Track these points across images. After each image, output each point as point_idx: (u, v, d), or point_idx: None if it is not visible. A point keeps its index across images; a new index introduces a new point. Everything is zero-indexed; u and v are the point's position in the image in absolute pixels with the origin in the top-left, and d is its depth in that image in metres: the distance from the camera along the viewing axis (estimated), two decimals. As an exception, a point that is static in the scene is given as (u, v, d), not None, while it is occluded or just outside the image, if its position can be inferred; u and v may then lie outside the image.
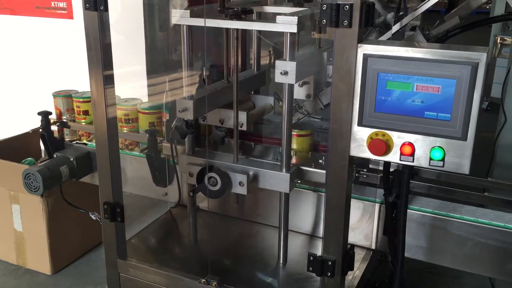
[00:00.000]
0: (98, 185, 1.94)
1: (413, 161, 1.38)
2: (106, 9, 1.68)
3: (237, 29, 1.83)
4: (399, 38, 1.97)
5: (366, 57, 1.36)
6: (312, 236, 2.19)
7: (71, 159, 2.46)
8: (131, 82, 3.29)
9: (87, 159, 2.56)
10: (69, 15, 4.21)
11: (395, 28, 1.81)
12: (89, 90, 2.43)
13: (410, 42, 1.66)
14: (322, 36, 2.02)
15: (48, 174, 2.34)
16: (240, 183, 1.83)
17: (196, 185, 1.85)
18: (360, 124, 1.41)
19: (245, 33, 2.26)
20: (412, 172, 2.05)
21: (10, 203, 2.72)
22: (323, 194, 2.11)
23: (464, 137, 1.30)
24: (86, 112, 2.59)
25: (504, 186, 2.01)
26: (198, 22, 1.76)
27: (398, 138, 1.38)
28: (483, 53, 1.25)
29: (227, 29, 1.90)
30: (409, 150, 1.37)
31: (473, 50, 1.27)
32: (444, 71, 1.28)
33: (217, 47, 2.09)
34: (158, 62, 3.38)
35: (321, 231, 2.18)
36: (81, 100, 2.58)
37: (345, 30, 1.36)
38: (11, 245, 2.80)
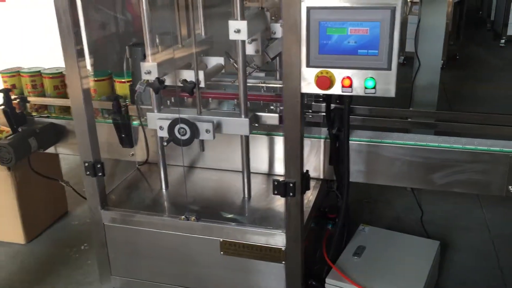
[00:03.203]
0: (62, 154, 2.10)
1: (351, 92, 1.73)
2: (74, -17, 1.87)
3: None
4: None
5: (308, 9, 1.67)
6: (268, 175, 2.52)
7: (37, 131, 2.61)
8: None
9: (50, 130, 2.72)
10: (0, -2, 4.18)
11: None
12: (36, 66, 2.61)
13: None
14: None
15: (18, 145, 2.49)
16: (207, 130, 2.10)
17: (168, 136, 2.12)
18: (308, 65, 1.74)
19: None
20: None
21: (-24, 180, 2.82)
22: (275, 137, 2.45)
23: (389, 67, 1.66)
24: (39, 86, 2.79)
25: (422, 113, 2.45)
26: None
27: (339, 74, 1.72)
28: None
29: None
30: (348, 82, 1.72)
31: (391, -2, 1.62)
32: (370, 15, 1.62)
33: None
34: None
35: (274, 170, 2.52)
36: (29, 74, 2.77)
37: (290, -12, 1.66)
38: (-19, 220, 2.91)
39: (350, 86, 1.72)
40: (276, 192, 1.93)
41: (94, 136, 2.13)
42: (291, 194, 1.91)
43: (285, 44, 1.74)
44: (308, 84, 1.76)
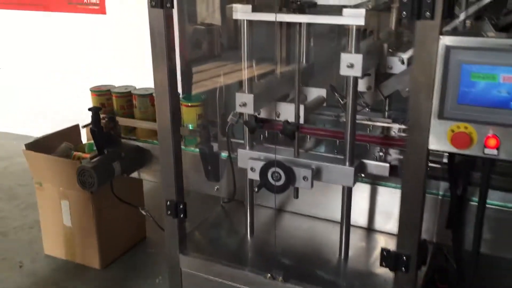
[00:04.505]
0: (147, 181, 1.92)
1: (498, 154, 1.36)
2: (172, 5, 1.67)
3: (300, 23, 1.81)
4: (459, 28, 1.94)
5: (448, 48, 1.33)
6: (368, 229, 2.18)
7: (122, 155, 2.47)
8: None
9: (135, 154, 2.57)
10: (102, 10, 4.22)
11: (462, 17, 1.77)
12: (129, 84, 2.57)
13: (497, 33, 1.63)
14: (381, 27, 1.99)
15: (102, 170, 2.36)
16: (304, 178, 1.81)
17: (259, 180, 1.85)
18: (440, 117, 1.39)
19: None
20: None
21: (59, 199, 2.75)
22: (379, 186, 2.11)
23: (555, 129, 1.28)
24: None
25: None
26: (264, 16, 1.74)
27: (482, 131, 1.36)
28: None
29: (282, 23, 1.89)
30: (494, 142, 1.35)
31: None
32: (533, 61, 1.25)
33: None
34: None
35: (375, 224, 2.17)
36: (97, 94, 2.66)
37: (427, 22, 1.33)
38: (60, 240, 2.83)
39: (497, 147, 1.35)
40: (384, 264, 1.59)
41: (180, 173, 1.92)
42: (403, 269, 1.56)
43: (414, 88, 1.41)
44: (439, 140, 1.41)
